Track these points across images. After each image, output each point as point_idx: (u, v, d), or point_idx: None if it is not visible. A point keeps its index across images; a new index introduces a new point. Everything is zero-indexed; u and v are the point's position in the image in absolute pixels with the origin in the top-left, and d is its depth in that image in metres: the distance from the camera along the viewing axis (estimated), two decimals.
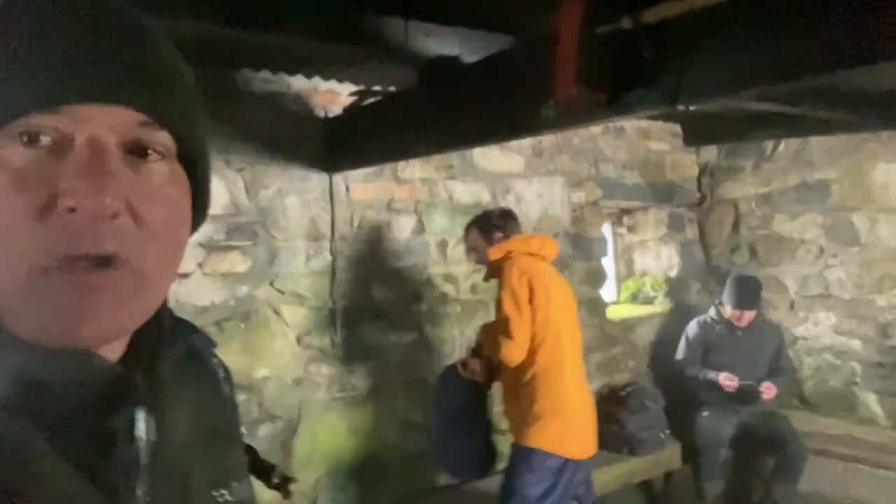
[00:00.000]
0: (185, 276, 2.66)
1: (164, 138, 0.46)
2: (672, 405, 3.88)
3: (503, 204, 3.64)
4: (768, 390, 3.51)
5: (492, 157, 3.60)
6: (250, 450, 0.62)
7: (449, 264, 3.43)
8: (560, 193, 3.93)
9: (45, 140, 0.42)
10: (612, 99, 1.50)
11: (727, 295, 3.73)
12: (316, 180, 3.02)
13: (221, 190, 2.78)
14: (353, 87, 2.98)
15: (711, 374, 3.66)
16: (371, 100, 2.75)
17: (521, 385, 2.54)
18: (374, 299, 3.17)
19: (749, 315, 3.65)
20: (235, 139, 2.80)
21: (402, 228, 3.30)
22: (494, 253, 2.62)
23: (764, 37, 1.27)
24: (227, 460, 0.59)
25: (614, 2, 1.43)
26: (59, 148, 0.42)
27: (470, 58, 2.13)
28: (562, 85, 1.52)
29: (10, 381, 0.42)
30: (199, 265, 2.71)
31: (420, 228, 3.35)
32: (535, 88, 1.73)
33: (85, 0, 0.45)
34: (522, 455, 2.50)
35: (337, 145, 2.98)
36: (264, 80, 2.91)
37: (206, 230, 2.73)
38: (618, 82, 1.47)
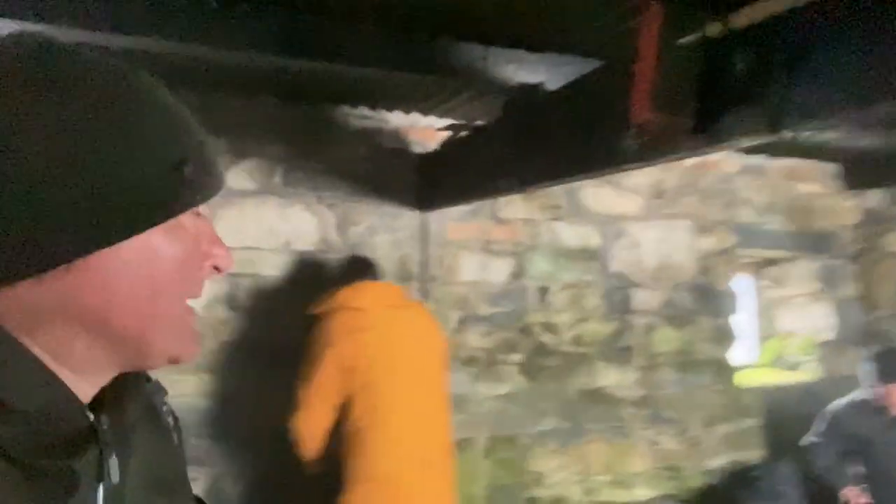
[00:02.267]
0: (268, 311, 2.63)
1: None
2: (818, 497, 3.26)
3: (615, 249, 3.31)
4: None
5: (603, 197, 3.30)
6: (200, 502, 0.67)
7: (549, 312, 3.15)
8: (684, 239, 3.52)
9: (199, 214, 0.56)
10: (700, 125, 1.21)
11: (872, 367, 2.95)
12: (408, 218, 2.90)
13: (311, 225, 2.74)
14: (452, 123, 2.85)
15: (840, 479, 2.93)
16: (463, 134, 2.60)
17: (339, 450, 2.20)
18: (465, 345, 2.97)
19: None
20: (329, 175, 2.77)
21: (499, 271, 3.08)
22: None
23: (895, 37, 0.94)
24: None
25: (699, 5, 1.16)
26: (196, 218, 0.55)
27: (554, 85, 1.91)
28: (637, 109, 1.26)
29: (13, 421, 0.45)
30: (282, 301, 2.67)
31: (519, 272, 3.11)
32: (618, 116, 1.47)
33: (161, 86, 0.56)
34: None
35: (430, 182, 2.85)
36: (362, 116, 2.87)
37: (293, 266, 2.69)
38: (706, 104, 1.18)
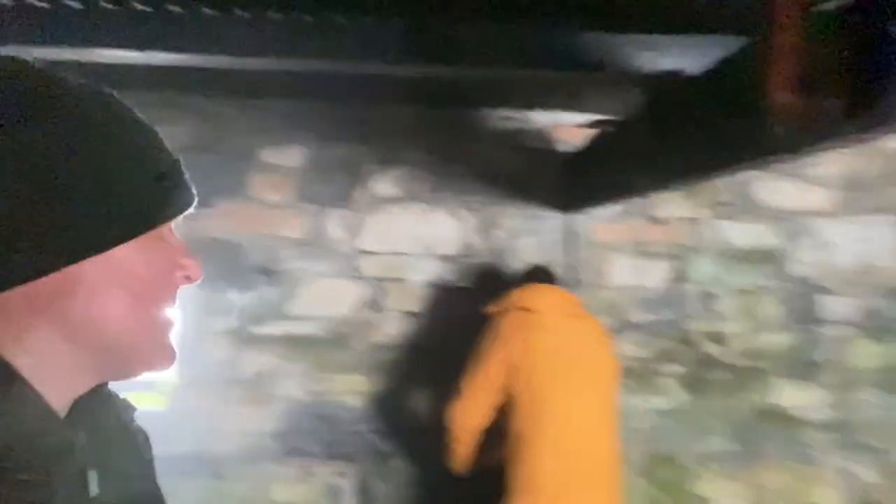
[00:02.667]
0: (412, 314, 2.68)
1: None
2: None
3: (797, 250, 2.91)
4: None
5: (781, 191, 2.91)
6: None
7: (715, 320, 2.85)
8: (888, 237, 2.99)
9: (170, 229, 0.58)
10: (855, 107, 0.98)
11: None
12: (552, 220, 2.79)
13: (454, 230, 2.74)
14: (597, 118, 2.69)
15: None
16: (603, 129, 2.44)
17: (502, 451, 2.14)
18: (620, 355, 2.77)
19: None
20: (471, 178, 2.76)
21: (655, 275, 2.85)
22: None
23: None
24: None
25: None
26: (169, 231, 0.58)
27: (696, 69, 1.70)
28: (778, 91, 1.07)
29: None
30: (427, 306, 2.70)
31: (678, 276, 2.85)
32: (762, 100, 1.27)
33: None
34: None
35: (575, 182, 2.71)
36: (504, 117, 2.81)
37: (436, 270, 2.72)
38: (860, 81, 0.96)
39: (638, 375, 2.80)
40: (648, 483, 2.75)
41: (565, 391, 2.13)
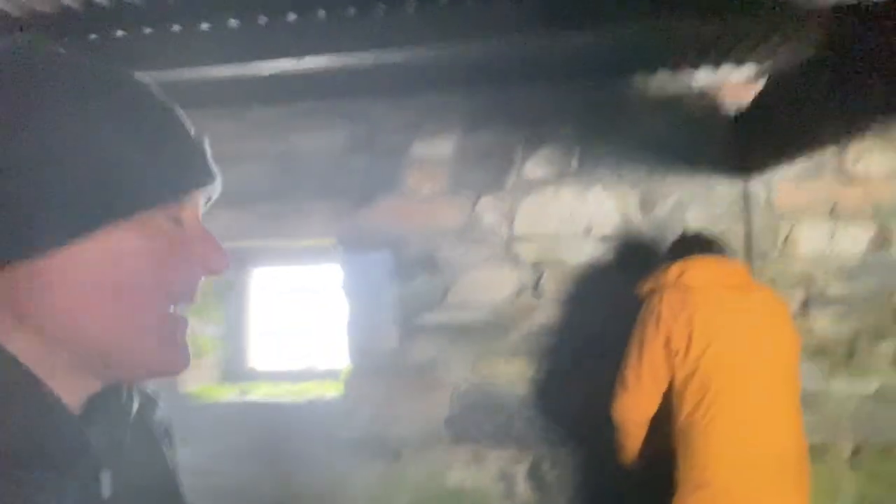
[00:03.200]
0: (570, 298, 2.59)
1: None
2: None
3: None
4: None
5: None
6: None
7: None
8: None
9: (180, 215, 0.52)
10: None
11: None
12: (726, 187, 2.55)
13: (612, 207, 2.61)
14: (767, 68, 2.40)
15: None
16: (781, 78, 2.16)
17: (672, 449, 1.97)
18: (813, 333, 2.47)
19: None
20: (628, 151, 2.60)
21: (855, 241, 2.48)
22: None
23: None
24: None
25: None
26: (177, 220, 0.51)
27: None
28: None
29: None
30: (585, 288, 2.59)
31: (883, 241, 2.46)
32: None
33: (156, 91, 0.53)
34: None
35: (750, 143, 2.45)
36: (662, 81, 2.61)
37: (594, 251, 2.60)
38: None
39: (839, 355, 2.46)
40: (859, 477, 2.41)
41: (738, 373, 1.91)
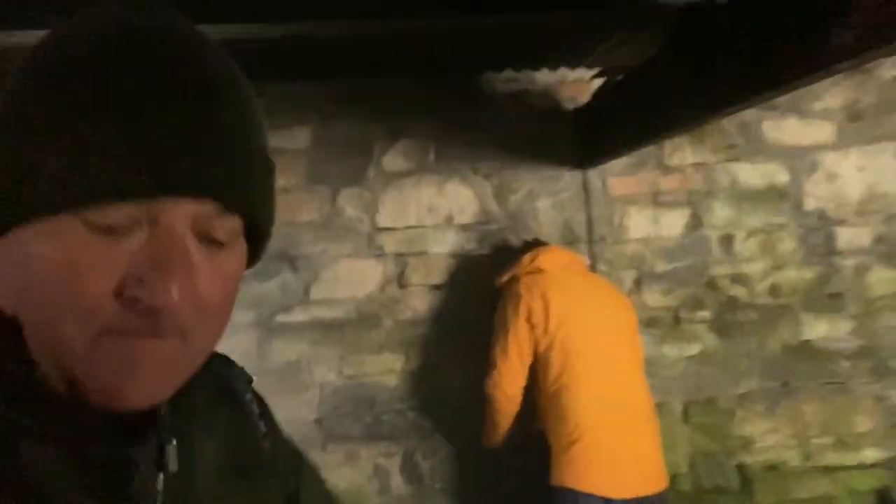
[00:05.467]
0: (437, 287, 2.64)
1: (234, 223, 0.45)
2: None
3: (809, 185, 2.92)
4: None
5: (787, 128, 2.92)
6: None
7: (737, 263, 2.85)
8: (892, 164, 3.02)
9: (115, 223, 0.40)
10: None
11: None
12: (569, 178, 2.77)
13: (470, 199, 2.70)
14: (603, 69, 2.67)
15: None
16: (619, 77, 2.41)
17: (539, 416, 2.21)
18: (645, 306, 2.77)
19: None
20: (481, 145, 2.71)
21: (674, 224, 2.84)
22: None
23: None
24: (261, 496, 0.57)
25: None
26: (128, 231, 0.41)
27: None
28: None
29: (39, 405, 0.42)
30: (451, 276, 2.65)
31: (696, 223, 2.85)
32: (821, 12, 1.26)
33: (164, 53, 0.42)
34: (549, 498, 2.08)
35: (587, 137, 2.69)
36: (508, 79, 2.77)
37: (456, 240, 2.67)
38: None
39: (667, 325, 2.80)
40: (691, 429, 2.75)
41: (593, 340, 2.18)
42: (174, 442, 0.47)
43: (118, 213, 0.40)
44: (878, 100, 3.00)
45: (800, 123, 2.93)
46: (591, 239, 2.77)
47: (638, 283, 2.80)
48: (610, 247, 2.78)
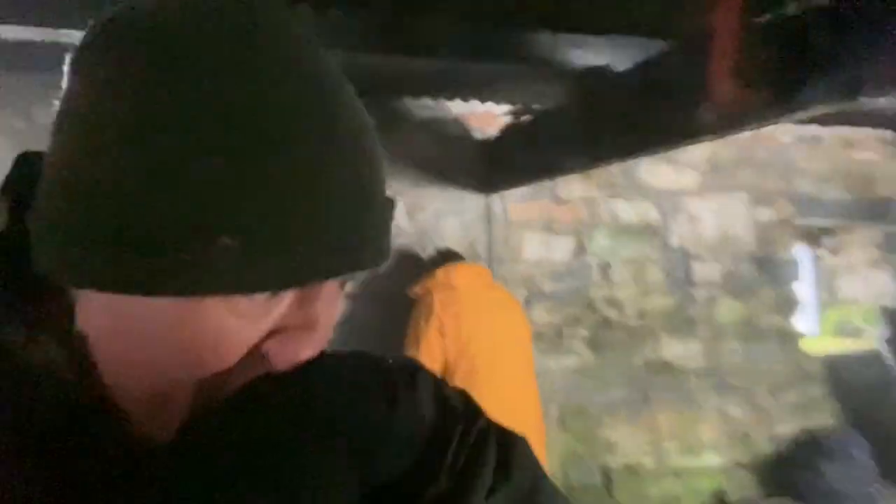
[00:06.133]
0: (348, 297, 2.79)
1: None
2: (889, 461, 3.29)
3: (674, 224, 3.38)
4: None
5: (660, 173, 3.36)
6: None
7: (613, 287, 3.24)
8: (742, 211, 3.55)
9: None
10: (779, 95, 1.30)
11: None
12: (473, 201, 3.03)
13: None
14: (511, 107, 2.96)
15: None
16: (526, 117, 2.70)
17: None
18: (532, 322, 3.08)
19: None
20: (396, 164, 2.91)
21: (562, 249, 3.18)
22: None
23: None
24: None
25: None
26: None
27: (621, 66, 1.99)
28: (719, 85, 1.36)
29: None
30: (361, 287, 2.82)
31: (581, 250, 3.21)
32: (691, 92, 1.57)
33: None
34: None
35: (493, 166, 2.97)
36: (424, 106, 2.99)
37: None
38: (785, 77, 1.27)
39: (550, 339, 3.12)
40: (565, 433, 3.09)
41: (496, 353, 2.42)
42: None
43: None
44: (736, 155, 3.52)
45: (670, 170, 3.38)
46: (490, 258, 3.05)
47: (528, 301, 3.10)
48: (506, 266, 3.07)
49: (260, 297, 0.37)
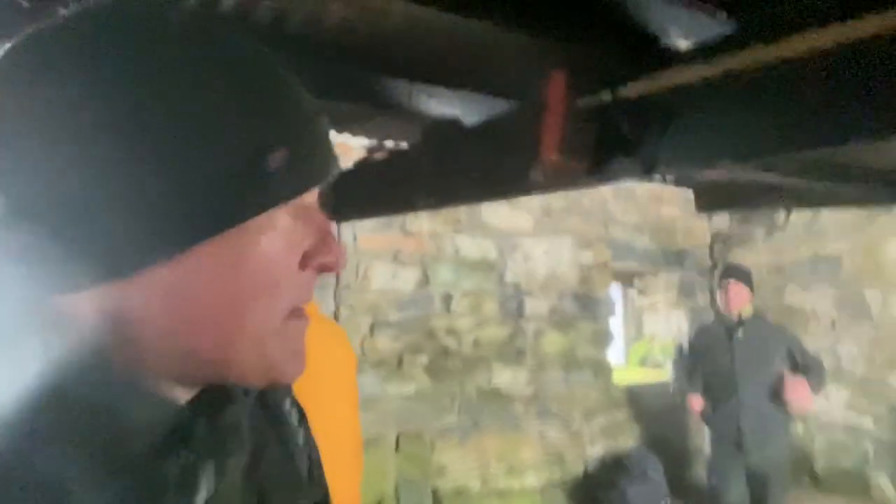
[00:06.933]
0: None
1: None
2: (677, 478, 3.79)
3: (510, 261, 3.68)
4: (795, 390, 2.95)
5: (500, 214, 3.66)
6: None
7: (452, 318, 3.45)
8: (568, 253, 3.96)
9: (309, 204, 0.46)
10: (594, 167, 1.54)
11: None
12: None
13: None
14: (366, 141, 3.09)
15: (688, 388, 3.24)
16: (380, 154, 2.84)
17: None
18: (376, 349, 3.20)
19: (740, 293, 3.15)
20: None
21: (407, 280, 3.34)
22: None
23: (737, 114, 1.32)
24: None
25: (598, 75, 1.50)
26: (297, 212, 0.44)
27: (470, 119, 2.20)
28: (546, 152, 1.58)
29: (86, 417, 0.40)
30: None
31: (425, 281, 3.39)
32: (526, 152, 1.79)
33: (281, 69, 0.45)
34: None
35: (345, 196, 3.06)
36: None
37: None
38: (599, 152, 1.52)
39: (392, 365, 3.25)
40: (399, 457, 3.21)
41: (310, 384, 2.45)
42: (209, 460, 0.43)
43: (312, 196, 0.45)
44: (565, 203, 3.92)
45: (509, 212, 3.69)
46: (338, 285, 3.13)
47: (372, 329, 3.22)
48: (353, 294, 3.17)
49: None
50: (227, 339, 0.42)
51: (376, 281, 3.25)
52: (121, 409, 0.41)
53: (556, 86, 1.50)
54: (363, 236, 3.22)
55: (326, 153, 0.45)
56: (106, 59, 0.39)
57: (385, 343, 3.24)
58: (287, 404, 0.59)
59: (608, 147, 1.51)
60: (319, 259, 0.45)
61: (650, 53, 1.39)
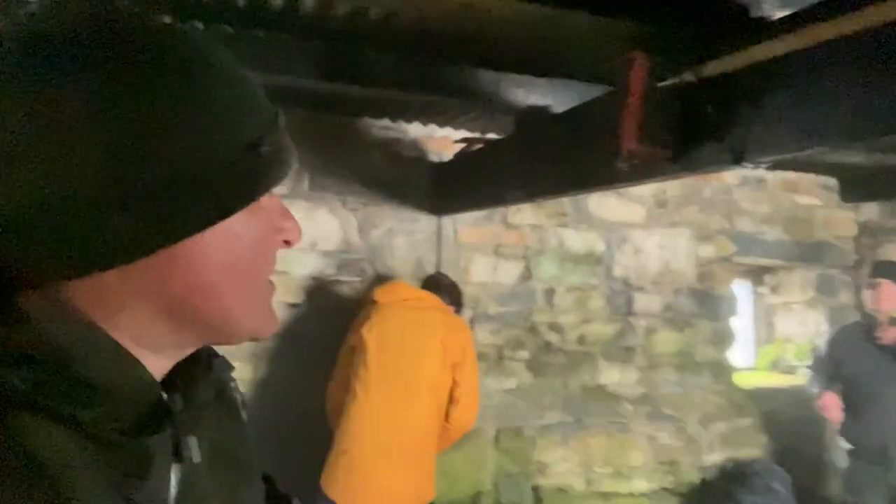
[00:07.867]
0: (294, 305, 2.87)
1: None
2: (807, 493, 3.44)
3: (618, 255, 3.51)
4: None
5: (608, 206, 3.50)
6: (268, 479, 0.69)
7: (555, 313, 3.36)
8: (685, 247, 3.71)
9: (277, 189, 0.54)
10: (679, 154, 1.42)
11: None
12: (425, 222, 3.13)
13: (335, 228, 2.97)
14: (468, 134, 3.07)
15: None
16: (479, 146, 2.82)
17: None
18: (476, 342, 3.17)
19: (893, 293, 2.93)
20: (352, 181, 3.00)
21: (509, 273, 3.29)
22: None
23: (843, 88, 1.15)
24: (243, 490, 0.59)
25: (680, 55, 1.37)
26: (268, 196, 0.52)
27: (560, 107, 2.12)
28: (626, 140, 1.48)
29: (77, 388, 0.43)
30: (308, 297, 2.90)
31: (527, 275, 3.32)
32: (610, 140, 1.69)
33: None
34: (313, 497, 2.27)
35: (445, 189, 3.07)
36: (384, 127, 3.09)
37: (317, 265, 2.93)
38: (683, 138, 1.39)
39: (492, 360, 3.22)
40: (499, 452, 3.18)
41: (390, 369, 2.41)
42: (194, 434, 0.48)
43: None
44: (681, 192, 3.68)
45: (618, 203, 3.52)
46: None
47: (472, 322, 3.20)
48: None
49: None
50: (232, 301, 0.49)
51: (476, 274, 3.23)
52: (110, 387, 0.44)
53: (636, 68, 1.40)
54: (463, 229, 3.21)
55: (290, 142, 0.52)
56: (101, 66, 0.43)
57: (485, 337, 3.22)
58: (233, 383, 0.64)
59: (693, 132, 1.38)
60: (285, 235, 0.54)
61: (735, 28, 1.25)
